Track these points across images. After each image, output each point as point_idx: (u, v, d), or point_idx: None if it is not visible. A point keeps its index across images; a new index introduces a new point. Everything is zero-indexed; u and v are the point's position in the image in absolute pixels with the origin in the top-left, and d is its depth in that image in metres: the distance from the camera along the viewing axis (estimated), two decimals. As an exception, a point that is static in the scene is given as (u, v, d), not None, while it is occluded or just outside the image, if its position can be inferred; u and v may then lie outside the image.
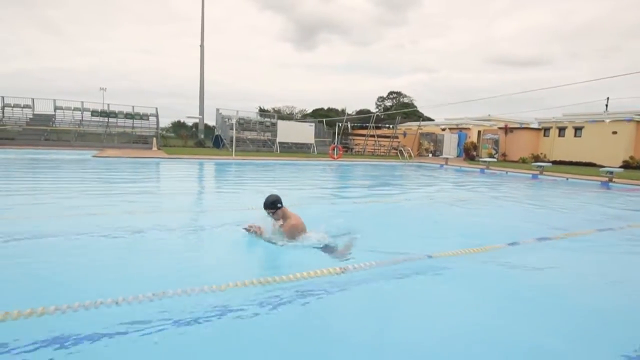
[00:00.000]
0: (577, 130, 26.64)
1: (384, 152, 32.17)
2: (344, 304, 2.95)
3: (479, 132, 31.82)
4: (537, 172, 16.32)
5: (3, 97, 24.31)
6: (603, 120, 25.09)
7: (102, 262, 3.56)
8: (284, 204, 4.07)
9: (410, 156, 26.71)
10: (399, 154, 28.72)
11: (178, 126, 45.17)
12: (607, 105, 35.00)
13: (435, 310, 2.90)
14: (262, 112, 41.14)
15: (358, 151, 31.36)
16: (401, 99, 59.74)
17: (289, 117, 49.96)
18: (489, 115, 36.65)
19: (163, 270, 3.49)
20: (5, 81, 68.83)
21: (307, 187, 11.22)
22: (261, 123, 31.71)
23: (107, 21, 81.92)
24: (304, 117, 52.15)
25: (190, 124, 41.35)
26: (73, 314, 2.41)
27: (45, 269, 3.34)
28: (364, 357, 2.19)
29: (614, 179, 13.88)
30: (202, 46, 31.29)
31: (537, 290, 3.35)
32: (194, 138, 32.52)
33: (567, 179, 15.04)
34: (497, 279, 3.67)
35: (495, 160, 22.91)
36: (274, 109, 53.17)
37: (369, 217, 6.65)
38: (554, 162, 23.66)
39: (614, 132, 24.51)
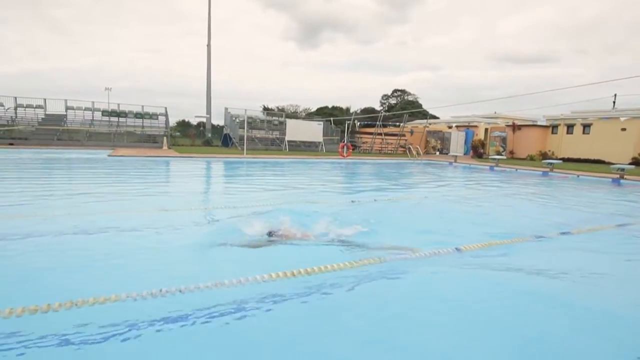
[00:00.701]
0: (586, 127, 26.62)
1: (391, 149, 32.27)
2: (369, 296, 3.02)
3: (486, 129, 31.86)
4: (547, 170, 16.37)
5: (16, 98, 24.61)
6: (618, 118, 25.01)
7: (136, 258, 3.73)
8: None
9: (418, 154, 26.80)
10: (407, 152, 28.82)
11: (183, 125, 45.41)
12: (614, 102, 34.94)
13: (458, 302, 2.97)
14: (267, 110, 41.26)
15: (365, 149, 31.47)
16: (405, 97, 59.72)
17: (294, 115, 50.09)
18: (495, 112, 36.66)
19: (201, 264, 3.68)
20: (10, 81, 69.49)
21: (324, 183, 11.39)
22: (269, 122, 31.91)
23: (113, 21, 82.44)
24: (309, 115, 52.28)
25: (195, 123, 41.56)
26: (107, 305, 2.51)
27: (85, 263, 3.48)
28: (383, 348, 2.24)
29: (625, 176, 13.96)
30: (209, 45, 31.48)
31: (556, 286, 3.44)
32: (200, 137, 32.76)
33: (578, 176, 15.11)
34: (523, 273, 3.71)
35: (503, 157, 22.95)
36: (278, 107, 53.31)
37: (391, 212, 6.82)
38: (563, 160, 23.67)
39: (623, 129, 24.49)
